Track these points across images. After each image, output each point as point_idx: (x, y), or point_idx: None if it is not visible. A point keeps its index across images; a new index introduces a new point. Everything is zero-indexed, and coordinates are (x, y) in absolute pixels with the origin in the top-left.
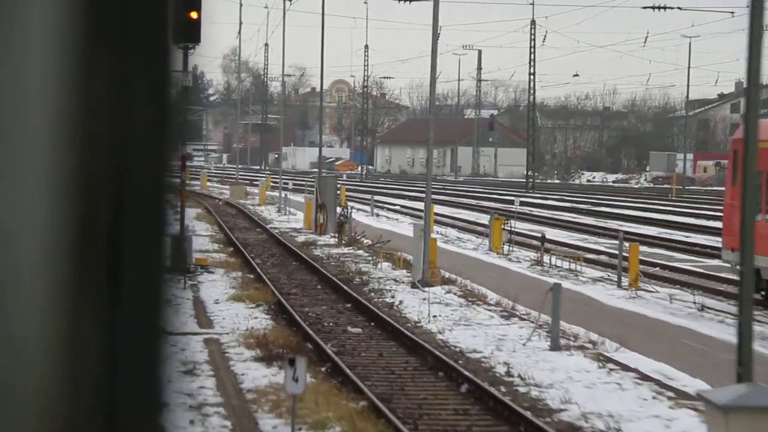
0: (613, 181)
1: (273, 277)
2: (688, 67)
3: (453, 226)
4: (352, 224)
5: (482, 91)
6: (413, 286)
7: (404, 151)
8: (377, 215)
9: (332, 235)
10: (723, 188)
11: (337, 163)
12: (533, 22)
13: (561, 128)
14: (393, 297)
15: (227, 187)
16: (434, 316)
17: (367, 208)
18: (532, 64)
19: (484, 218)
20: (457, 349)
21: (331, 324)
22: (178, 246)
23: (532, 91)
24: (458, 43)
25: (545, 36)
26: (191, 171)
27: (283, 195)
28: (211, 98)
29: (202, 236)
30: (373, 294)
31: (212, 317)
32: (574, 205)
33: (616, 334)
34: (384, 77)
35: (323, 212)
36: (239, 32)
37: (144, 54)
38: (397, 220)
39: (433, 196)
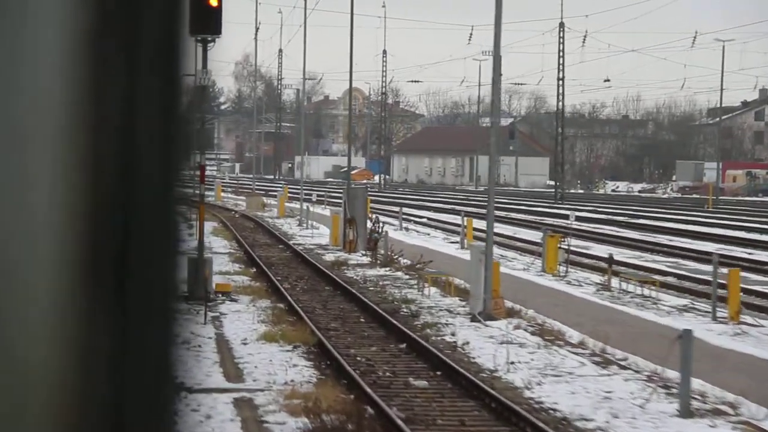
0: (639, 191)
1: (307, 306)
2: (722, 72)
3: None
4: (388, 242)
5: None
6: (473, 319)
7: (422, 160)
8: (406, 229)
9: (363, 253)
10: (756, 198)
11: (352, 172)
12: (562, 25)
13: (581, 137)
14: (453, 335)
15: (242, 198)
16: (512, 363)
17: (393, 221)
18: (561, 68)
19: (523, 233)
20: (559, 414)
21: (387, 374)
22: (197, 270)
23: (560, 98)
24: (482, 46)
25: (585, 38)
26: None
27: (304, 207)
28: (222, 106)
29: (221, 254)
30: (428, 330)
31: (241, 364)
32: (610, 217)
33: (750, 389)
34: (412, 81)
35: (353, 227)
36: (256, 33)
37: (155, 54)
38: (428, 234)
39: (461, 208)
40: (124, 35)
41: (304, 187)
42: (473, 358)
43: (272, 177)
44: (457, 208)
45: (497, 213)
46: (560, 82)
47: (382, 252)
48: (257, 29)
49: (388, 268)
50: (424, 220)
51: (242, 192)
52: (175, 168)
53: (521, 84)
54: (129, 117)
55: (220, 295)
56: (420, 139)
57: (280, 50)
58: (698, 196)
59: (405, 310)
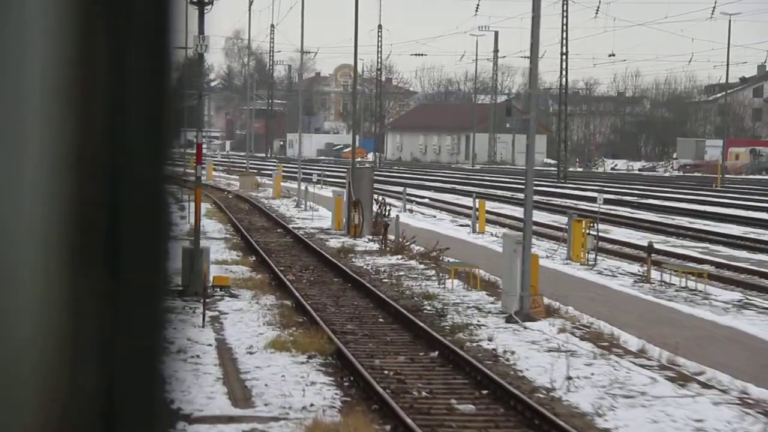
0: (639, 170)
1: (316, 303)
2: (728, 47)
3: (503, 225)
4: (399, 227)
5: (488, 76)
6: (509, 320)
7: (416, 138)
8: (410, 211)
9: (370, 238)
10: (761, 177)
11: (345, 150)
12: None
13: (578, 114)
14: (491, 340)
15: (235, 177)
16: (570, 379)
17: (395, 202)
18: (564, 43)
19: (535, 215)
20: None
21: (423, 394)
22: (192, 261)
23: (564, 73)
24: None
25: (598, 7)
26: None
27: (302, 188)
28: (212, 83)
29: (216, 239)
30: (459, 333)
31: (249, 382)
32: (618, 197)
33: None
34: (415, 54)
35: (358, 211)
36: (250, 5)
37: (143, 29)
38: (434, 216)
39: (461, 188)
40: (111, 10)
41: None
42: (521, 371)
43: (264, 155)
44: (458, 187)
45: (499, 193)
46: (563, 57)
47: (392, 238)
48: (251, 1)
49: (399, 256)
50: (426, 200)
51: (234, 171)
52: (164, 146)
53: (526, 57)
54: (117, 94)
55: (218, 290)
56: (414, 116)
57: (272, 25)
58: (700, 175)
59: (428, 307)
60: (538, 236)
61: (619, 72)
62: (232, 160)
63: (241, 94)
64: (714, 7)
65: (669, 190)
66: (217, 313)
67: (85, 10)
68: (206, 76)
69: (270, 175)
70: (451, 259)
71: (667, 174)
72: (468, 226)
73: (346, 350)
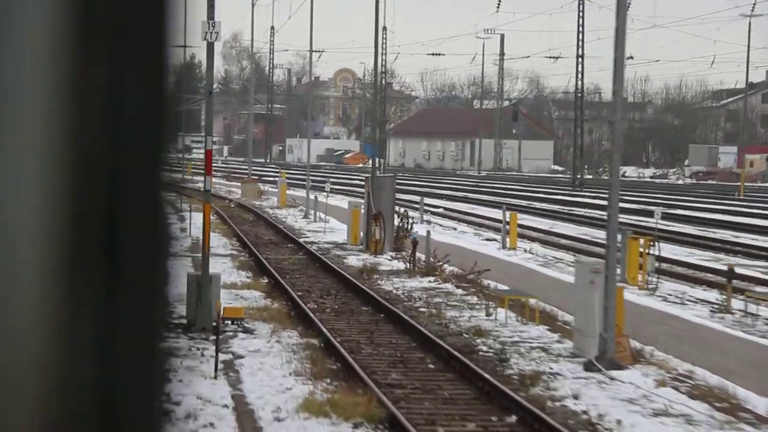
0: (651, 177)
1: (348, 341)
2: (748, 50)
3: (531, 238)
4: (431, 245)
5: (489, 82)
6: (588, 367)
7: (419, 144)
8: (428, 222)
9: (393, 255)
10: None
11: (346, 156)
12: None
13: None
14: (576, 398)
15: (235, 184)
16: None
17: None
18: (580, 45)
19: (562, 227)
20: None
21: None
22: (200, 291)
23: (580, 76)
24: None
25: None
26: (194, 165)
27: (311, 197)
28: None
29: (221, 256)
30: (533, 387)
31: None
32: (643, 206)
33: None
34: (431, 53)
35: (379, 224)
36: (253, 5)
37: (141, 33)
38: (455, 229)
39: (474, 196)
40: (108, 11)
41: (290, 171)
42: None
43: (263, 161)
44: (470, 195)
45: (515, 202)
46: (579, 60)
47: (417, 255)
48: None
49: (431, 278)
50: (440, 210)
51: (234, 177)
52: (161, 151)
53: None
54: (114, 95)
55: (229, 323)
56: (417, 121)
57: (272, 27)
58: (715, 182)
59: (483, 346)
60: (572, 251)
61: (629, 76)
62: (231, 165)
63: (239, 98)
64: (754, 5)
65: (693, 199)
66: (230, 355)
67: (83, 10)
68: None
69: (272, 182)
70: (492, 283)
71: (680, 182)
72: (495, 240)
73: (401, 416)
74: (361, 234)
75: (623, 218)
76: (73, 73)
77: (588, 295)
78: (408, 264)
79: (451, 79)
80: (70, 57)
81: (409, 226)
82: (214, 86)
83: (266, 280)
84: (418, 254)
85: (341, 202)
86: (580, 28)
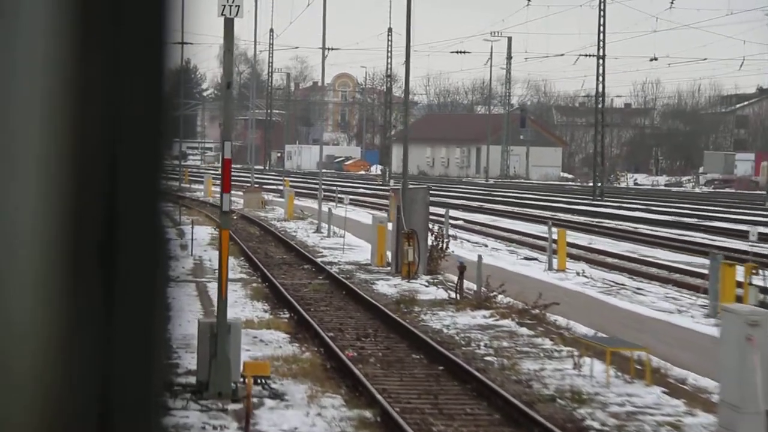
0: (665, 185)
1: (411, 413)
2: None
3: (575, 257)
4: (483, 273)
5: (493, 86)
6: None
7: (423, 150)
8: (454, 237)
9: (429, 281)
10: None
11: (347, 163)
12: None
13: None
14: None
15: (237, 193)
16: None
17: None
18: (601, 45)
19: (601, 242)
20: None
21: None
22: (216, 345)
23: (600, 78)
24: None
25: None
26: (190, 173)
27: (324, 209)
28: (205, 93)
29: (230, 282)
30: None
31: None
32: (674, 218)
33: None
34: (455, 51)
35: (413, 245)
36: (256, 4)
37: (139, 36)
38: (486, 246)
39: (489, 206)
40: (108, 15)
41: (295, 179)
42: None
43: (262, 167)
44: (485, 206)
45: (533, 213)
46: (600, 61)
47: (460, 281)
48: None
49: (485, 312)
50: (460, 222)
51: (234, 185)
52: (159, 157)
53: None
54: (113, 95)
55: (252, 382)
56: (421, 127)
57: (271, 30)
58: (733, 190)
59: (588, 419)
60: (632, 275)
61: (639, 80)
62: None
63: (237, 103)
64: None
65: (721, 210)
66: None
67: (82, 10)
68: (199, 85)
69: (275, 191)
70: (559, 318)
71: (697, 190)
72: (536, 260)
73: None
74: (388, 254)
75: (661, 232)
76: (73, 73)
77: (741, 357)
78: (454, 293)
79: (455, 84)
80: (69, 57)
81: (445, 246)
82: (210, 91)
83: (288, 315)
84: (478, 287)
85: (355, 214)
86: (601, 28)
